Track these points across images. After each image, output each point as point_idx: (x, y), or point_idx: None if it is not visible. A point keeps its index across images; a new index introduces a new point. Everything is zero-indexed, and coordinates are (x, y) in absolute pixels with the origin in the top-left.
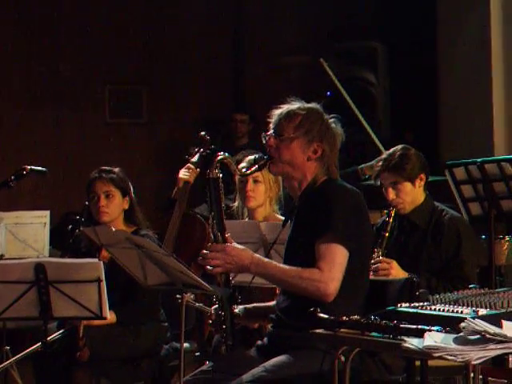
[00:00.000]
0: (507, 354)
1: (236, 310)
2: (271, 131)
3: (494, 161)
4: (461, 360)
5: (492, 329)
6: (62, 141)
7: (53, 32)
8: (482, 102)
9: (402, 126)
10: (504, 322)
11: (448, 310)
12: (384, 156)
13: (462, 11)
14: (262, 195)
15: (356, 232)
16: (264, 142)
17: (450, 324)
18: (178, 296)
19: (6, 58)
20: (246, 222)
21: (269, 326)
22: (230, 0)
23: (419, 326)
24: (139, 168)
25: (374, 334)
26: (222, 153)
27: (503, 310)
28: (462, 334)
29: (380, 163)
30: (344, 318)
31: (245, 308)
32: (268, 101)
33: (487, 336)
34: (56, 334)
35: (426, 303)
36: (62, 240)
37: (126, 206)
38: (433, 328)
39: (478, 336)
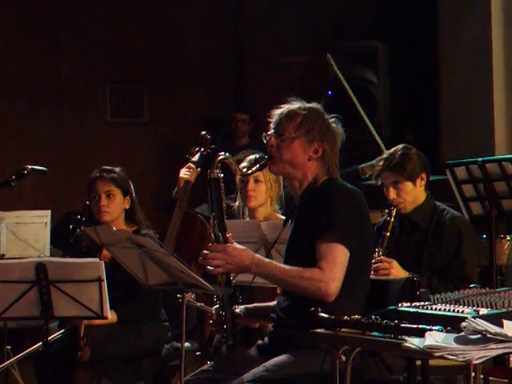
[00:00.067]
0: (508, 353)
1: (237, 310)
2: (272, 131)
3: (494, 160)
4: (462, 359)
5: (493, 328)
6: (62, 140)
7: (53, 32)
8: (483, 101)
9: (403, 126)
10: (505, 322)
11: (449, 310)
12: (385, 155)
13: (462, 11)
14: (262, 195)
15: (357, 232)
16: (265, 141)
17: (450, 323)
18: (178, 296)
19: (5, 57)
20: (247, 222)
21: (269, 326)
22: (229, 0)
23: (420, 326)
24: (140, 167)
25: (374, 333)
26: (222, 153)
27: (504, 310)
28: (462, 333)
29: (381, 163)
30: (345, 317)
31: (246, 308)
32: (268, 101)
33: (488, 335)
34: (57, 333)
35: (426, 303)
36: (62, 239)
37: (127, 206)
38: (434, 327)
39: (479, 335)
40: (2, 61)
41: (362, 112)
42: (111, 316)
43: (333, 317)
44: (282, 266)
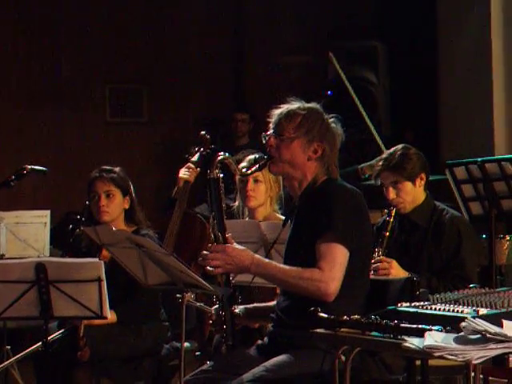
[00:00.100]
0: (508, 353)
1: (236, 310)
2: (271, 131)
3: (494, 160)
4: (461, 359)
5: (492, 328)
6: (62, 140)
7: (53, 32)
8: (483, 101)
9: (403, 126)
10: (504, 322)
11: (448, 310)
12: (384, 155)
13: (462, 11)
14: (262, 195)
15: (356, 232)
16: (264, 141)
17: (450, 323)
18: (178, 295)
19: (5, 57)
20: (247, 222)
21: (269, 326)
22: (229, 0)
23: (420, 326)
24: (139, 167)
25: (374, 333)
26: (222, 153)
27: (504, 310)
28: (462, 333)
29: (380, 163)
30: (344, 317)
31: (245, 308)
32: (268, 100)
33: (488, 335)
34: (56, 333)
35: (426, 303)
36: (62, 239)
37: (127, 206)
38: (433, 327)
39: (479, 335)
40: (2, 61)
41: (363, 111)
42: (111, 316)
43: (332, 317)
44: (282, 266)
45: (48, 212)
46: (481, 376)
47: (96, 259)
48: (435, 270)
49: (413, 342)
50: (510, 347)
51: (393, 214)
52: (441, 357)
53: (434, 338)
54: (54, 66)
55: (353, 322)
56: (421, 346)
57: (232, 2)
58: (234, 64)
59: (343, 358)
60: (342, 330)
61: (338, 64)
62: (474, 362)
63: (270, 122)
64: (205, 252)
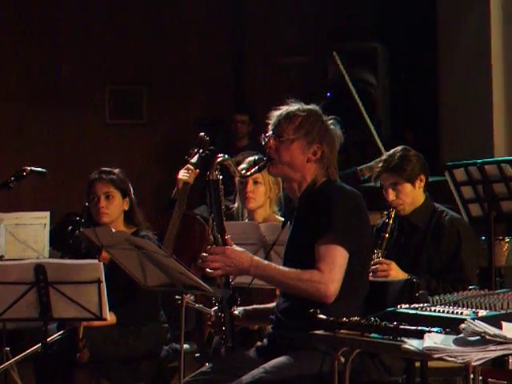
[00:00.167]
0: (507, 355)
1: (236, 312)
2: (270, 132)
3: (493, 162)
4: (461, 361)
5: (492, 330)
6: (61, 141)
7: (53, 32)
8: (482, 102)
9: (402, 127)
10: (504, 324)
11: (448, 312)
12: (384, 157)
13: (462, 11)
14: (261, 196)
15: (356, 233)
16: (263, 143)
17: (449, 325)
18: (177, 297)
19: (5, 57)
20: (246, 223)
21: (269, 327)
22: (229, 0)
23: (419, 328)
24: (139, 168)
25: (373, 335)
26: (221, 154)
27: (503, 312)
28: (461, 335)
29: (380, 164)
30: (344, 319)
31: (244, 310)
32: (268, 101)
33: (487, 337)
34: (56, 335)
35: (425, 304)
36: (62, 241)
37: (126, 207)
38: (433, 329)
39: (478, 337)
40: (2, 61)
41: (364, 112)
42: (110, 317)
43: (332, 318)
44: (281, 267)
45: (47, 213)
46: (480, 378)
47: (95, 261)
48: (434, 271)
49: (412, 344)
50: (509, 349)
51: (392, 216)
52: (440, 358)
53: (434, 339)
54: (54, 66)
55: (352, 323)
56: (420, 348)
57: (232, 2)
58: (234, 64)
59: (342, 359)
60: (342, 331)
61: (341, 64)
62: (474, 363)
63: (269, 124)
64: (204, 254)
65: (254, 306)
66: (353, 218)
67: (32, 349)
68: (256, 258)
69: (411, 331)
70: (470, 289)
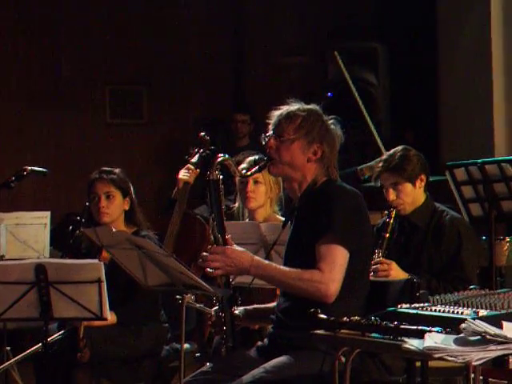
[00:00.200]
0: (507, 354)
1: (236, 312)
2: (271, 132)
3: (494, 161)
4: (461, 361)
5: (492, 330)
6: (62, 141)
7: (53, 32)
8: (483, 102)
9: (402, 126)
10: (504, 323)
11: (448, 311)
12: (384, 157)
13: (462, 11)
14: (262, 196)
15: (356, 233)
16: (264, 143)
17: (450, 325)
18: (178, 297)
19: (5, 57)
20: (247, 223)
21: (269, 327)
22: (229, 0)
23: (419, 327)
24: (139, 168)
25: (374, 334)
26: (222, 154)
27: (503, 311)
28: (462, 335)
29: (380, 164)
30: (344, 318)
31: (245, 309)
32: (268, 101)
33: (487, 337)
34: (56, 334)
35: (426, 304)
36: (62, 241)
37: (127, 207)
38: (433, 329)
39: (479, 337)
40: (2, 61)
41: (364, 112)
42: (111, 317)
43: (332, 318)
44: (282, 267)
45: (48, 213)
46: (481, 377)
47: (96, 260)
48: (435, 271)
49: (413, 344)
50: (509, 349)
51: (393, 216)
52: (441, 358)
53: (434, 339)
54: (54, 66)
55: (353, 323)
56: (421, 348)
57: (232, 2)
58: (234, 64)
59: (343, 359)
60: (342, 331)
61: (342, 63)
62: (474, 363)
63: (269, 123)
64: (204, 254)
65: (255, 306)
66: (353, 217)
67: (32, 348)
68: (256, 257)
69: (412, 331)
70: (471, 288)
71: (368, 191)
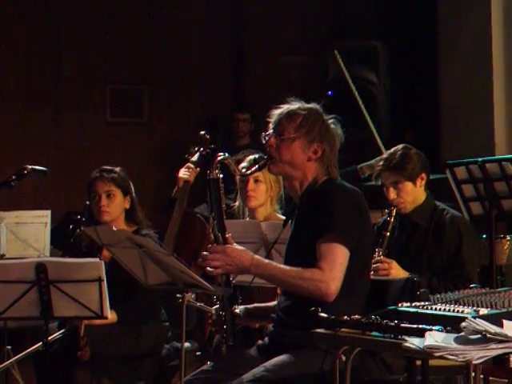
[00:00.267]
0: (508, 353)
1: (237, 310)
2: (271, 131)
3: (494, 160)
4: (462, 360)
5: (493, 328)
6: (62, 140)
7: (53, 32)
8: (483, 101)
9: (403, 126)
10: (505, 322)
11: (449, 310)
12: (385, 156)
13: (462, 11)
14: (262, 195)
15: (357, 232)
16: (264, 141)
17: (450, 323)
18: (178, 295)
19: (5, 58)
20: (247, 222)
21: (270, 326)
22: (229, 0)
23: (420, 326)
24: (139, 167)
25: (374, 333)
26: (222, 153)
27: (504, 310)
28: (462, 333)
29: (381, 163)
30: (345, 317)
31: (245, 308)
32: (268, 101)
33: (488, 336)
34: (57, 333)
35: (426, 303)
36: (62, 239)
37: (127, 206)
38: (434, 327)
39: (479, 336)
40: (2, 61)
41: (364, 111)
42: (111, 316)
43: (333, 317)
44: (282, 266)
45: (48, 212)
46: (481, 376)
47: (96, 259)
48: (435, 270)
49: (413, 342)
50: (510, 347)
51: (393, 214)
52: (441, 357)
53: (435, 338)
54: (54, 65)
55: (353, 322)
56: (421, 346)
57: (232, 2)
58: (234, 64)
59: (344, 358)
60: (343, 330)
61: (342, 62)
62: (475, 362)
63: (269, 122)
64: (205, 253)
65: (255, 305)
66: (354, 216)
67: (33, 347)
68: (256, 256)
69: (412, 329)
70: (471, 287)
71: (369, 190)
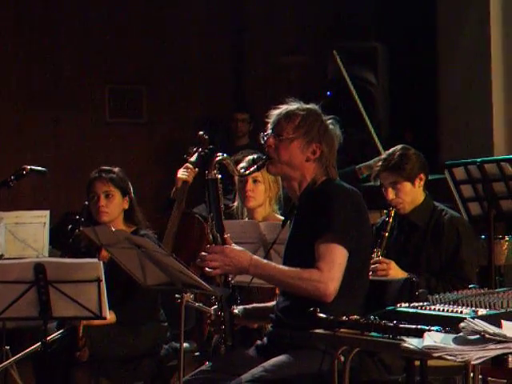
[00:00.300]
0: (507, 353)
1: (235, 311)
2: (270, 131)
3: (493, 161)
4: (460, 360)
5: (491, 329)
6: (61, 141)
7: (53, 32)
8: (482, 101)
9: (402, 126)
10: (503, 322)
11: (447, 310)
12: (383, 156)
13: (462, 11)
14: (261, 195)
15: (356, 232)
16: (262, 142)
17: (449, 324)
18: (177, 296)
19: (5, 57)
20: (246, 222)
21: (268, 326)
22: (229, 0)
23: (419, 326)
24: (139, 168)
25: (373, 333)
26: (220, 153)
27: (503, 310)
28: (461, 333)
29: (380, 163)
30: (343, 317)
31: (244, 308)
32: (268, 101)
33: (487, 336)
34: (56, 333)
35: (425, 303)
36: (61, 240)
37: (126, 206)
38: (432, 328)
39: (478, 336)
40: (2, 61)
41: (363, 111)
42: (110, 316)
43: (331, 317)
44: (281, 266)
45: (47, 212)
46: (480, 376)
47: (95, 259)
48: (434, 270)
49: (412, 343)
50: (509, 348)
51: (392, 215)
52: (440, 357)
53: (433, 338)
54: (54, 66)
55: (352, 322)
56: (420, 347)
57: (232, 2)
58: (234, 64)
59: (342, 358)
60: (341, 330)
61: (341, 62)
62: (473, 362)
63: (268, 122)
64: (203, 253)
65: (254, 305)
66: (352, 216)
67: (32, 348)
68: (255, 257)
69: (411, 330)
70: (470, 287)
71: (367, 190)
